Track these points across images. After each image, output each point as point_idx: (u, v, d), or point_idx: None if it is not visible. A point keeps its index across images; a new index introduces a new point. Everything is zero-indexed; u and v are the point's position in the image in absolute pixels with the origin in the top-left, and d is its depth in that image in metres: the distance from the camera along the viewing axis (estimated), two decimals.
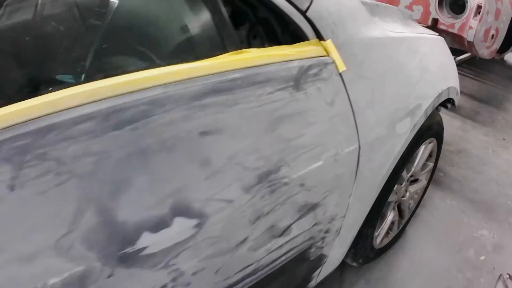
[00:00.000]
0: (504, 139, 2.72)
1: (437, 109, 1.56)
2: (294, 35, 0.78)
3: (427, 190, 1.87)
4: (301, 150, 0.73)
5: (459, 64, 3.21)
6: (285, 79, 0.72)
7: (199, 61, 0.63)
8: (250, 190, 0.67)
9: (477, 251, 1.78)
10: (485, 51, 2.73)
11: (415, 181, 1.66)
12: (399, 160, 1.13)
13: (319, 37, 0.81)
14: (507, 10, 2.88)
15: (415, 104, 1.11)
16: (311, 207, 0.82)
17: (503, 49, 3.28)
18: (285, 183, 0.72)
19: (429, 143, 1.53)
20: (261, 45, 0.78)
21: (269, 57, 0.70)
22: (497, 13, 2.72)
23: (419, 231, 1.84)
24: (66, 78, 0.65)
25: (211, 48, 0.71)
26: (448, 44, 2.87)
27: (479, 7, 2.52)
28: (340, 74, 0.83)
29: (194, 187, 0.60)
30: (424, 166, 1.65)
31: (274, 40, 0.80)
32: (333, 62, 0.81)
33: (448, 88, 1.42)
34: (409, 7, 2.77)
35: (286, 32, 0.79)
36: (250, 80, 0.66)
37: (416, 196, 1.73)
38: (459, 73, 3.63)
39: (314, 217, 0.85)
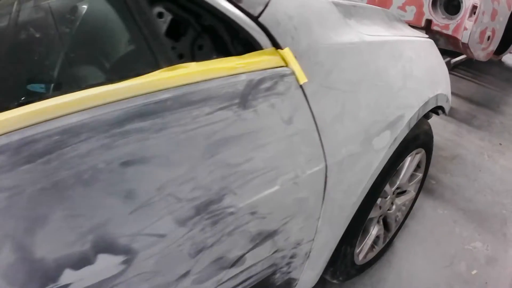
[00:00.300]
0: (500, 144, 2.63)
1: (426, 116, 1.47)
2: (246, 45, 0.70)
3: (418, 200, 1.79)
4: (250, 175, 0.65)
5: (455, 66, 3.12)
6: (229, 96, 0.63)
7: (121, 82, 0.55)
8: (186, 223, 0.60)
9: (469, 264, 1.70)
10: (481, 53, 2.64)
11: (402, 192, 1.57)
12: (378, 176, 1.05)
13: (276, 45, 0.72)
14: (504, 10, 2.79)
15: (397, 115, 1.03)
16: (268, 235, 0.74)
17: (500, 51, 3.19)
18: (231, 213, 0.64)
19: (417, 153, 1.44)
20: (208, 57, 0.69)
21: (209, 71, 0.61)
22: (494, 13, 2.63)
23: (407, 243, 1.75)
24: None
25: (138, 66, 0.62)
26: (442, 46, 2.79)
27: (474, 7, 2.43)
28: (301, 86, 0.74)
29: (118, 222, 0.55)
30: (412, 177, 1.56)
31: (223, 50, 0.71)
32: (292, 73, 0.73)
33: (437, 96, 1.33)
34: (402, 8, 2.68)
35: (236, 41, 0.70)
36: (183, 100, 0.58)
37: (404, 208, 1.64)
38: (454, 75, 3.54)
39: (273, 244, 0.77)
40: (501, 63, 4.17)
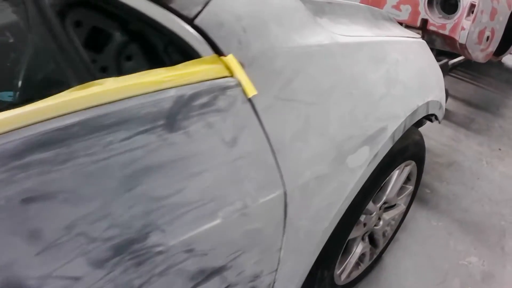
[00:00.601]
0: (500, 149, 2.51)
1: (417, 124, 1.35)
2: (184, 53, 0.59)
3: (410, 210, 1.68)
4: (182, 209, 0.54)
5: (453, 68, 3.00)
6: (151, 117, 0.52)
7: (21, 107, 0.45)
8: (103, 264, 0.50)
9: (463, 281, 1.58)
10: (480, 54, 2.52)
11: (391, 206, 1.46)
12: (358, 194, 0.93)
13: (219, 51, 0.61)
14: (504, 9, 2.67)
15: (377, 127, 0.91)
16: (214, 271, 0.63)
17: (500, 51, 3.06)
18: (160, 252, 0.53)
19: (406, 166, 1.33)
20: (139, 68, 0.58)
21: (128, 88, 0.50)
22: (493, 12, 2.51)
23: (397, 258, 1.64)
24: None
25: (46, 86, 0.52)
26: (439, 46, 2.67)
27: (472, 6, 2.31)
28: (249, 100, 0.63)
29: (24, 263, 0.47)
30: (401, 190, 1.45)
31: (157, 61, 0.60)
32: (238, 84, 0.61)
33: (427, 103, 1.21)
34: (396, 7, 2.56)
35: (172, 49, 0.59)
36: (93, 124, 0.47)
37: (393, 222, 1.53)
38: (452, 76, 3.42)
39: (223, 280, 0.66)
40: (501, 64, 4.05)
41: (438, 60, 2.76)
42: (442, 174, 2.19)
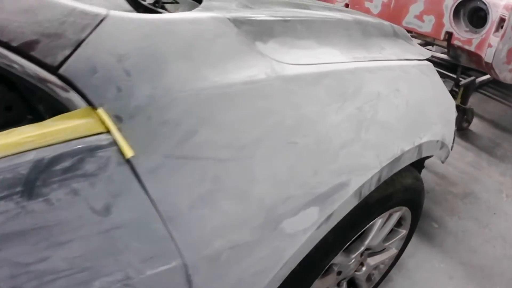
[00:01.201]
0: None
1: (415, 164, 1.15)
2: (53, 106, 0.49)
3: (411, 246, 1.51)
4: (50, 276, 0.47)
5: (480, 86, 2.75)
6: (8, 184, 0.45)
7: None
8: None
9: None
10: (508, 75, 2.27)
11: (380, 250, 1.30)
12: (313, 254, 0.80)
13: (92, 103, 0.51)
14: None
15: (333, 184, 0.76)
16: None
17: None
18: None
19: (395, 212, 1.16)
20: (21, 120, 0.49)
21: None
22: None
23: None
24: None
25: None
26: (465, 63, 2.44)
27: (502, 21, 2.07)
28: (129, 161, 0.52)
29: None
30: (392, 234, 1.29)
31: (36, 112, 0.51)
32: (113, 143, 0.51)
33: (420, 146, 1.02)
34: (419, 18, 2.35)
35: (45, 100, 0.50)
36: None
37: (382, 266, 1.38)
38: (481, 93, 3.13)
39: None
40: None
41: (465, 77, 2.52)
42: (454, 207, 1.99)
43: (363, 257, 1.21)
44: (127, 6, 0.78)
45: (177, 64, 0.59)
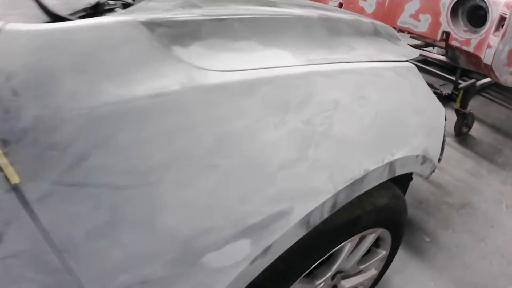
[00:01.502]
0: None
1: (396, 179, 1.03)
2: None
3: (400, 261, 1.40)
4: None
5: (482, 89, 2.61)
6: None
7: None
8: None
9: None
10: (509, 78, 2.13)
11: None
12: (257, 283, 0.70)
13: None
14: None
15: (269, 213, 0.65)
16: None
17: None
18: None
19: (369, 234, 1.05)
20: None
21: None
22: None
23: None
24: None
25: None
26: (463, 65, 2.30)
27: (502, 19, 1.94)
28: (17, 187, 0.46)
29: None
30: (370, 255, 1.18)
31: None
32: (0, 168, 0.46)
33: (392, 163, 0.89)
34: (415, 17, 2.22)
35: None
36: None
37: (361, 287, 1.27)
38: (484, 96, 2.99)
39: None
40: None
41: (465, 80, 2.39)
42: (449, 218, 1.87)
43: (335, 280, 1.10)
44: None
45: (69, 79, 0.51)
